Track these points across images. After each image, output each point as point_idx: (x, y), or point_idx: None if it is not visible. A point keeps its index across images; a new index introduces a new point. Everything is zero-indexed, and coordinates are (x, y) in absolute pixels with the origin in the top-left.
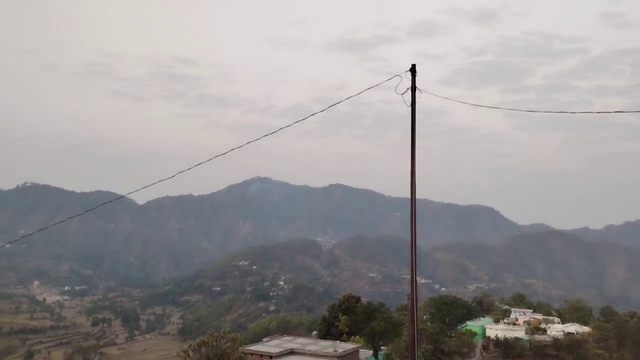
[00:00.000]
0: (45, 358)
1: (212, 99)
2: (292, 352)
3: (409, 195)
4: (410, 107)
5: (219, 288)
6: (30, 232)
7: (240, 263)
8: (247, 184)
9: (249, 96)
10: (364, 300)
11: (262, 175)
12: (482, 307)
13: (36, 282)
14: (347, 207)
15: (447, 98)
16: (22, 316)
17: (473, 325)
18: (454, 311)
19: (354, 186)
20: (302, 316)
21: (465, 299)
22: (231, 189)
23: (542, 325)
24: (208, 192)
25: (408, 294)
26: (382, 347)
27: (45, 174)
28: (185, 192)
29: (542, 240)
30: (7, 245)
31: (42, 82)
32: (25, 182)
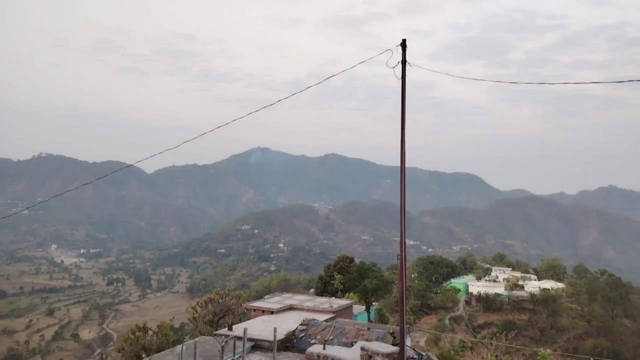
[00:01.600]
0: (64, 315)
1: (214, 74)
2: (291, 307)
3: (399, 164)
4: (401, 81)
5: (223, 250)
6: (47, 199)
7: (243, 227)
8: (248, 153)
9: (248, 71)
10: (357, 260)
11: (263, 145)
12: (465, 266)
13: (54, 246)
14: (341, 175)
15: (435, 71)
16: (42, 277)
17: (457, 282)
18: (439, 270)
19: (348, 156)
20: (300, 275)
21: (450, 259)
22: (234, 158)
23: (520, 282)
24: (212, 162)
25: (398, 255)
26: (373, 303)
27: (59, 145)
28: (191, 162)
29: (521, 205)
30: (26, 212)
31: (52, 59)
32: (41, 153)
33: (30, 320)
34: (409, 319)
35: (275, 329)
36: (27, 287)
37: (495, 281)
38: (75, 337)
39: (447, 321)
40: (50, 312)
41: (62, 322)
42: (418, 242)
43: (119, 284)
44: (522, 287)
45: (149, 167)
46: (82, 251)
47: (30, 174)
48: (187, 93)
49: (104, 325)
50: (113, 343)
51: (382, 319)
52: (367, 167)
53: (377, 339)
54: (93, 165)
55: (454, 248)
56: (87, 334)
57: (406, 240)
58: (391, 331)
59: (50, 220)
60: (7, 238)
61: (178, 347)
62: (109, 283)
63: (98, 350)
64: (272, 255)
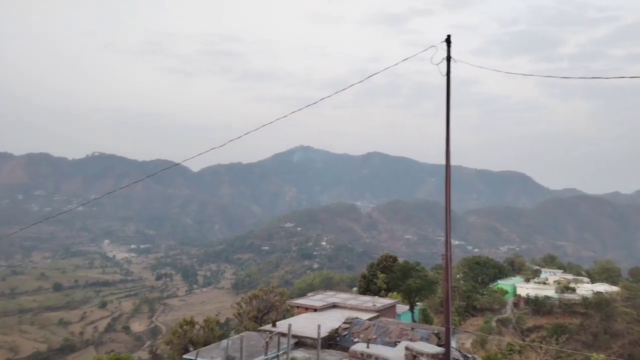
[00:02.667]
0: (116, 307)
1: (256, 73)
2: (334, 305)
3: (443, 162)
4: (446, 77)
5: (267, 247)
6: (100, 196)
7: (286, 225)
8: (291, 152)
9: (290, 70)
10: (400, 259)
11: (305, 144)
12: (513, 268)
13: (106, 241)
14: (384, 173)
15: (481, 67)
16: (95, 271)
17: (504, 284)
18: (485, 271)
19: (391, 154)
20: (343, 273)
21: (497, 259)
22: (277, 157)
23: (572, 285)
24: (256, 160)
25: (442, 254)
26: (417, 303)
27: (110, 144)
28: (235, 160)
29: (572, 204)
30: (80, 208)
31: (103, 62)
32: (94, 152)
33: (85, 312)
34: (454, 320)
35: (319, 326)
36: (81, 281)
37: (545, 283)
38: (126, 329)
39: (493, 323)
40: (103, 305)
41: (114, 315)
42: (463, 242)
43: (167, 279)
44: (573, 290)
45: (195, 166)
46: (132, 246)
47: (84, 172)
48: (231, 93)
49: (153, 319)
50: (162, 336)
51: (426, 319)
52: (410, 165)
53: (422, 340)
54: (142, 163)
55: (501, 248)
56: (138, 326)
57: (451, 239)
58: (436, 332)
59: (102, 216)
60: (63, 233)
61: (224, 342)
62: (158, 278)
63: (148, 343)
64: (314, 253)
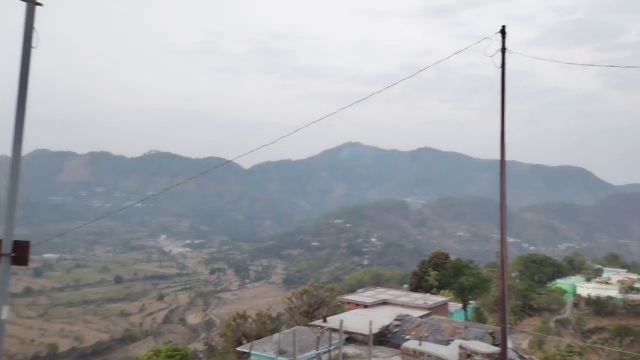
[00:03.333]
0: (173, 300)
1: (305, 70)
2: (385, 302)
3: (497, 157)
4: (501, 69)
5: (316, 243)
6: (156, 192)
7: (335, 221)
8: (339, 148)
9: (338, 66)
10: (452, 257)
11: (354, 140)
12: (572, 266)
13: (163, 236)
14: (435, 169)
15: (538, 58)
16: (153, 264)
17: (563, 283)
18: (543, 269)
19: (442, 149)
20: (393, 270)
21: (555, 257)
22: (325, 153)
23: (637, 285)
24: (304, 157)
25: (497, 252)
26: (470, 302)
27: (165, 142)
28: (285, 158)
29: (637, 200)
30: (139, 204)
31: (159, 62)
32: (150, 150)
33: (143, 304)
34: (510, 319)
35: (370, 323)
36: (140, 274)
37: (607, 283)
38: (182, 321)
39: (552, 324)
40: (161, 297)
41: (171, 307)
42: (518, 240)
43: (220, 274)
44: (638, 290)
45: (246, 163)
46: (187, 241)
47: (141, 169)
48: (280, 90)
49: (208, 312)
50: (216, 328)
51: (479, 318)
52: (462, 160)
53: (475, 339)
54: (195, 161)
55: (559, 246)
56: (193, 318)
57: (506, 237)
58: (490, 331)
59: (159, 212)
60: (122, 228)
61: (276, 336)
62: (212, 272)
63: (203, 335)
64: (364, 249)
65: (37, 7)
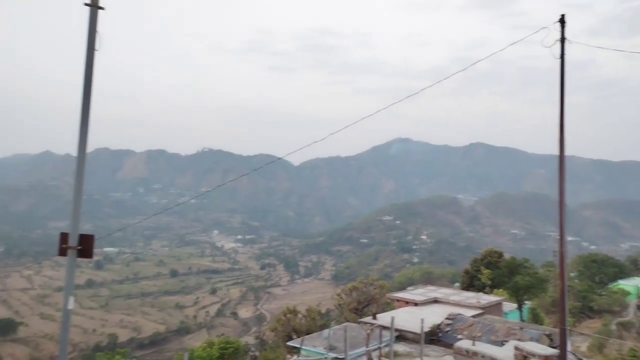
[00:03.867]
0: (225, 294)
1: (354, 66)
2: (435, 300)
3: (552, 152)
4: (560, 60)
5: (366, 240)
6: (209, 189)
7: (385, 218)
8: (389, 144)
9: (388, 61)
10: (506, 255)
11: (403, 136)
12: (636, 267)
13: (215, 231)
14: (488, 165)
15: (600, 47)
16: (206, 259)
17: (626, 284)
18: (604, 269)
19: (495, 144)
20: (444, 268)
21: (618, 257)
22: (374, 149)
23: None
24: (354, 153)
25: (554, 251)
26: (526, 302)
27: (218, 140)
28: (334, 154)
29: None
30: (193, 200)
31: (211, 61)
32: (203, 148)
33: (197, 298)
34: (569, 321)
35: (422, 321)
36: (194, 268)
37: None
38: (234, 315)
39: (613, 326)
40: (213, 291)
41: (223, 301)
42: (578, 238)
43: (271, 269)
44: None
45: (295, 160)
46: (238, 237)
47: (195, 166)
48: (329, 86)
49: (258, 306)
50: (267, 323)
51: (536, 319)
52: (516, 155)
53: (531, 340)
54: (247, 158)
55: (622, 245)
56: (244, 312)
57: (565, 235)
58: (547, 332)
59: (212, 208)
60: (178, 223)
61: (326, 332)
62: (262, 267)
63: (254, 329)
64: (414, 247)
65: (100, 11)
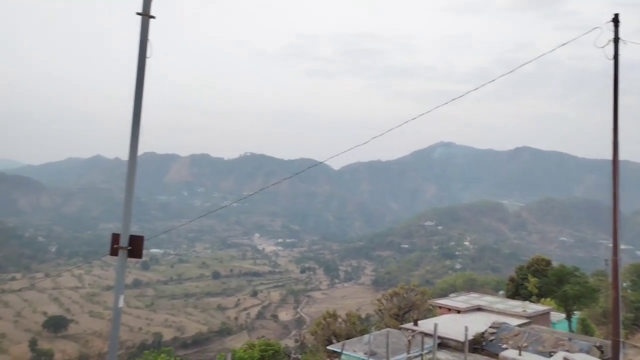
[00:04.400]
0: (266, 297)
1: (395, 69)
2: (479, 308)
3: (604, 156)
4: (613, 61)
5: (407, 245)
6: (251, 193)
7: (426, 223)
8: (431, 149)
9: (430, 64)
10: (554, 263)
11: (446, 140)
12: None
13: (257, 235)
14: (534, 170)
15: None
16: (247, 262)
17: None
18: None
19: (543, 148)
20: (487, 276)
21: None
22: (416, 154)
23: None
24: (395, 158)
25: (606, 259)
26: (575, 312)
27: (259, 144)
28: (375, 158)
29: None
30: (235, 204)
31: (252, 67)
32: (246, 152)
33: (239, 300)
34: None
35: (466, 328)
36: (235, 270)
37: None
38: (274, 317)
39: None
40: (254, 294)
41: (264, 303)
42: (631, 247)
43: (311, 273)
44: None
45: (336, 164)
46: (279, 240)
47: (237, 170)
48: (370, 90)
49: (298, 309)
50: (306, 326)
51: (586, 330)
52: (565, 160)
53: (581, 352)
54: (288, 162)
55: None
56: (284, 315)
57: (618, 243)
58: (598, 344)
59: (253, 211)
60: (220, 227)
61: (366, 337)
62: (302, 271)
63: (293, 332)
64: (456, 253)
65: (151, 20)
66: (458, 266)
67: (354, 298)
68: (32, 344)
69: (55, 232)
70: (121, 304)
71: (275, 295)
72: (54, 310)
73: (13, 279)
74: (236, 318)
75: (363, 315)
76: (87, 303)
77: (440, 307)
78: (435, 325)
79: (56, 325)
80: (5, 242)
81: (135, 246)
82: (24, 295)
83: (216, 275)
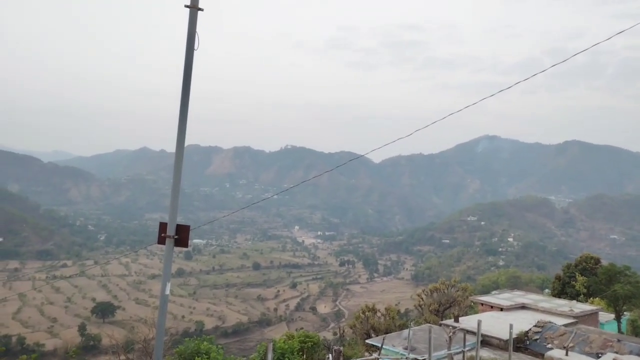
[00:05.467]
0: (305, 289)
1: (438, 61)
2: (523, 306)
3: None
4: None
5: (448, 240)
6: (292, 185)
7: (469, 218)
8: (475, 142)
9: (475, 55)
10: (604, 262)
11: (491, 133)
12: None
13: (296, 227)
14: (584, 164)
15: None
16: (287, 254)
17: None
18: None
19: (593, 142)
20: (532, 273)
21: None
22: (459, 147)
23: None
24: (437, 151)
25: None
26: (625, 312)
27: (300, 137)
28: (416, 152)
29: None
30: (275, 197)
31: (293, 59)
32: (287, 145)
33: (278, 291)
34: None
35: (511, 326)
36: (275, 262)
37: None
38: (313, 309)
39: None
40: (294, 286)
41: (303, 295)
42: None
43: (350, 266)
44: None
45: (376, 157)
46: (319, 233)
47: (278, 163)
48: (412, 82)
49: (337, 302)
50: (345, 319)
51: (636, 331)
52: (617, 154)
53: (631, 354)
54: (328, 155)
55: None
56: (323, 308)
57: None
58: None
59: (293, 204)
60: (261, 218)
61: (405, 332)
62: (341, 264)
63: (332, 325)
64: (500, 249)
65: (199, 12)
66: (501, 263)
67: (393, 292)
68: (82, 328)
69: (104, 221)
70: (168, 291)
71: (314, 288)
72: (102, 296)
73: (64, 265)
74: (275, 309)
75: (402, 310)
76: (133, 290)
77: (482, 304)
78: (479, 322)
79: (104, 311)
80: (57, 230)
81: (182, 235)
82: (75, 281)
83: (256, 266)
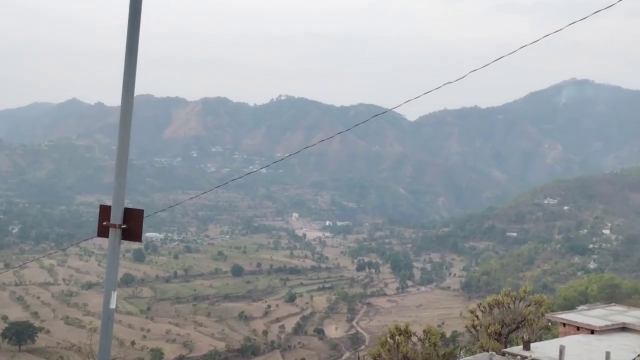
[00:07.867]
0: (307, 303)
1: None
2: (623, 327)
3: None
4: None
5: (515, 233)
6: (287, 154)
7: (546, 201)
8: (556, 89)
9: None
10: None
11: (579, 77)
12: None
13: (295, 215)
14: None
15: None
16: (281, 253)
17: None
18: None
19: None
20: (638, 280)
21: None
22: (533, 97)
23: None
24: (500, 103)
25: None
26: None
27: (299, 84)
28: (470, 104)
29: None
30: (264, 170)
31: None
32: (280, 96)
33: (269, 306)
34: None
35: (607, 355)
36: (265, 264)
37: None
38: (319, 332)
39: None
40: (291, 299)
41: (304, 313)
42: None
43: (372, 270)
44: None
45: (412, 113)
46: (327, 223)
47: (268, 121)
48: (460, 3)
49: (354, 322)
50: (365, 346)
51: None
52: None
53: None
54: (340, 109)
55: None
56: (334, 330)
57: None
58: None
59: (290, 181)
60: (243, 202)
61: None
62: (360, 268)
63: (346, 354)
64: (591, 246)
65: None
66: (592, 265)
67: (436, 308)
68: None
69: (18, 206)
70: (113, 304)
71: (321, 302)
72: (17, 314)
73: None
74: (265, 332)
75: (448, 334)
76: (61, 305)
77: (564, 325)
78: (562, 349)
79: (20, 334)
80: None
81: (132, 224)
82: None
83: (237, 271)
